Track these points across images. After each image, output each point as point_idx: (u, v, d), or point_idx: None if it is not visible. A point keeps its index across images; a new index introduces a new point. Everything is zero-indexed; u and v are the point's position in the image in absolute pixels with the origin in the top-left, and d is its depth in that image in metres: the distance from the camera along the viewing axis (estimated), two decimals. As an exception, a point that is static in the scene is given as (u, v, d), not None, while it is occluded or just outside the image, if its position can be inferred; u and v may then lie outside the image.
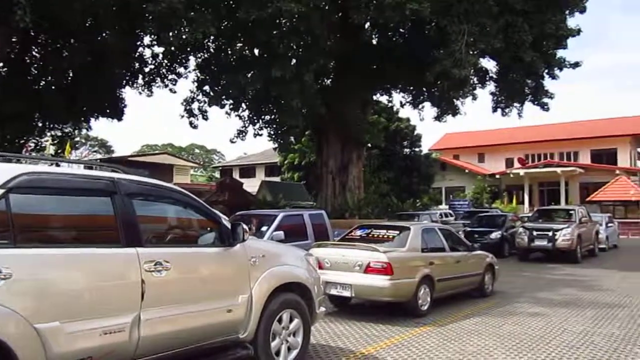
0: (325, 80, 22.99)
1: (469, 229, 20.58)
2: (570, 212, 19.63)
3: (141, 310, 3.96)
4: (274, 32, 16.52)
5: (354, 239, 9.18)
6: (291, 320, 5.37)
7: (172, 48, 17.19)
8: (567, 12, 19.91)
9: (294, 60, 17.83)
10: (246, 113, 21.91)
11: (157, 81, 21.16)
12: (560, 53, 21.38)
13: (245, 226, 4.95)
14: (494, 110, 23.41)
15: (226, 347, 4.83)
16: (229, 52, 19.31)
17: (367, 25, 20.83)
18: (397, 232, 9.10)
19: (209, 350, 4.68)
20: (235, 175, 48.24)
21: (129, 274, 3.98)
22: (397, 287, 7.98)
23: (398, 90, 25.07)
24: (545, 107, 22.43)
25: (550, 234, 17.47)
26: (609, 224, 24.32)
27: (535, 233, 17.85)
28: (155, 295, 4.09)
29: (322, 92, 20.88)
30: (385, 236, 9.07)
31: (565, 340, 6.96)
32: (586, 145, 46.52)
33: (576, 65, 21.50)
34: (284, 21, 16.82)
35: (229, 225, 4.94)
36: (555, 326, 7.82)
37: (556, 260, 17.25)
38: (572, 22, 20.55)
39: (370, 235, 9.22)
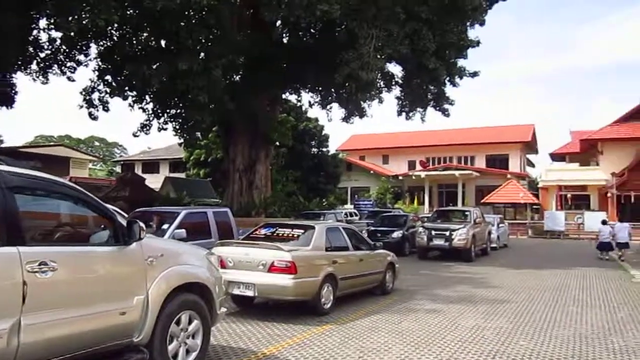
0: (235, 76, 22.68)
1: (372, 228, 21.11)
2: (466, 213, 20.71)
3: (22, 315, 3.63)
4: (182, 24, 16.03)
5: (258, 238, 9.08)
6: (190, 321, 5.19)
7: (72, 34, 16.15)
8: (468, 24, 21.01)
9: (202, 54, 17.41)
10: (150, 106, 21.11)
11: (53, 68, 19.75)
12: (460, 62, 22.58)
13: (142, 224, 4.70)
14: (399, 113, 24.25)
15: (119, 352, 4.57)
16: (134, 41, 18.51)
17: (278, 23, 20.81)
18: (302, 231, 9.12)
19: (100, 356, 4.40)
20: (138, 170, 46.30)
21: (8, 275, 3.62)
22: (301, 286, 7.99)
23: (307, 90, 25.28)
24: (446, 112, 23.60)
25: (447, 233, 18.32)
26: (501, 225, 26.00)
27: (433, 233, 18.65)
28: (39, 298, 3.76)
29: (231, 88, 20.57)
30: (290, 235, 9.05)
31: (459, 335, 7.29)
32: (482, 151, 49.46)
33: (475, 74, 22.79)
34: (192, 13, 16.37)
35: (124, 223, 4.67)
36: (450, 322, 8.18)
37: (452, 258, 18.12)
38: (472, 33, 21.67)
39: (275, 234, 9.16)
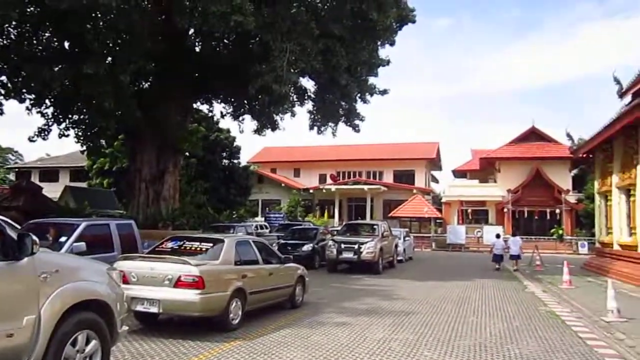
0: (144, 83, 21.89)
1: (282, 241, 21.06)
2: (374, 226, 21.18)
3: None
4: (89, 26, 15.24)
5: (164, 252, 8.73)
6: (88, 342, 4.84)
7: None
8: (379, 43, 21.66)
9: (109, 58, 16.65)
10: (50, 110, 19.84)
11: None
12: (371, 80, 23.21)
13: (35, 237, 4.34)
14: (311, 128, 24.45)
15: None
16: (34, 41, 17.34)
17: (191, 31, 20.35)
18: (211, 244, 8.88)
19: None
20: (35, 178, 43.30)
21: None
22: (209, 302, 7.76)
23: (219, 101, 24.87)
24: (357, 128, 24.12)
25: (356, 246, 18.63)
26: (406, 238, 26.89)
27: (343, 246, 18.89)
28: None
29: (140, 95, 19.81)
30: (198, 248, 8.78)
31: (368, 348, 7.38)
32: (390, 166, 51.10)
33: (385, 92, 23.52)
34: (100, 15, 15.62)
35: (15, 236, 4.29)
36: (358, 334, 8.27)
37: (361, 271, 18.43)
38: (383, 53, 22.41)
39: (182, 248, 8.84)
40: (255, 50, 19.01)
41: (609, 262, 19.37)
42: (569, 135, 24.48)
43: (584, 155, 24.24)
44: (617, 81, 20.76)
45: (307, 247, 19.93)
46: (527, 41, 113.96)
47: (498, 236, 23.76)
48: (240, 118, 24.97)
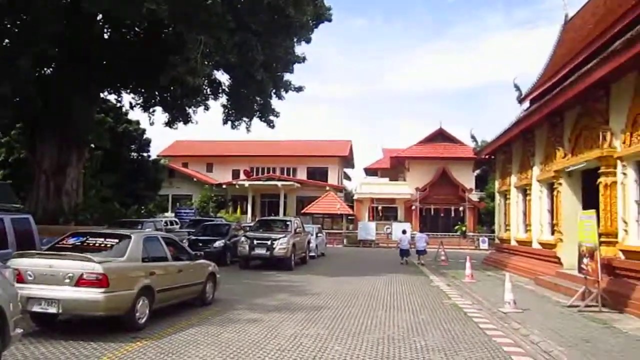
0: (46, 69, 20.52)
1: (193, 237, 20.61)
2: (287, 222, 21.23)
3: None
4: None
5: (65, 248, 8.21)
6: (-25, 346, 4.47)
7: None
8: (295, 40, 21.69)
9: (6, 40, 15.45)
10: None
11: None
12: (287, 76, 23.23)
13: None
14: (225, 122, 24.08)
15: None
16: None
17: (100, 17, 19.32)
18: (116, 240, 8.47)
19: None
20: None
21: None
22: (113, 300, 7.40)
23: (129, 91, 23.85)
24: (272, 124, 24.04)
25: (269, 243, 18.58)
26: (319, 234, 27.20)
27: (255, 242, 18.77)
28: None
29: (41, 82, 18.56)
30: (103, 245, 8.35)
31: (279, 344, 7.37)
32: (303, 163, 51.41)
33: (300, 89, 23.61)
34: (-5, -7, 14.48)
35: None
36: (269, 331, 8.24)
37: (273, 267, 18.41)
38: (299, 50, 22.44)
39: (85, 244, 8.36)
40: (168, 40, 18.41)
41: (507, 257, 20.64)
42: (473, 137, 25.93)
43: (486, 157, 25.73)
44: (517, 88, 22.19)
45: (218, 244, 19.61)
46: (439, 45, 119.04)
47: (404, 232, 25.03)
48: (151, 110, 24.10)
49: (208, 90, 23.07)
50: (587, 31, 16.79)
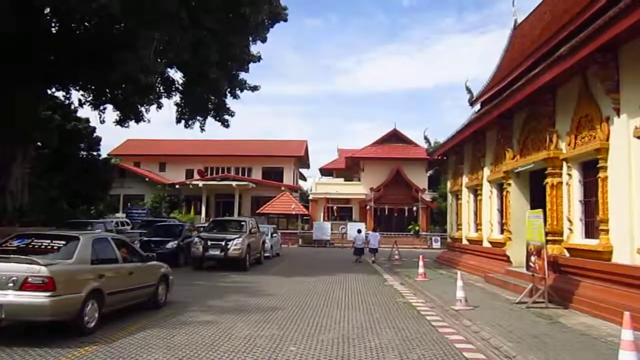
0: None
1: (145, 238, 20.19)
2: (242, 223, 21.04)
3: None
4: None
5: (9, 250, 7.86)
6: None
7: None
8: (251, 39, 21.50)
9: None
10: None
11: None
12: (242, 75, 22.98)
13: None
14: (178, 121, 23.62)
15: None
16: None
17: (47, 10, 18.58)
18: (64, 242, 8.18)
19: None
20: None
21: None
22: (60, 304, 7.14)
23: (78, 88, 23.02)
24: (226, 123, 23.75)
25: (223, 243, 18.39)
26: (274, 234, 27.13)
27: (209, 243, 18.54)
28: None
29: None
30: (49, 247, 8.04)
31: (233, 346, 7.28)
32: (259, 163, 51.14)
33: (255, 88, 23.41)
34: None
35: None
36: (224, 332, 8.14)
37: (228, 268, 18.23)
38: (254, 49, 22.24)
39: (30, 246, 8.03)
40: (120, 36, 17.89)
41: (459, 256, 21.12)
42: (426, 138, 26.35)
43: (439, 157, 26.28)
44: (469, 90, 22.73)
45: (171, 245, 19.28)
46: (393, 47, 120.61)
47: (359, 231, 26.25)
48: (102, 107, 23.32)
49: (161, 88, 22.57)
50: (535, 36, 17.37)
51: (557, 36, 13.82)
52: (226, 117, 23.60)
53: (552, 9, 17.46)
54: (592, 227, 11.24)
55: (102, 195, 36.39)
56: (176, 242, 19.56)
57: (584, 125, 11.48)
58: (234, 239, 18.59)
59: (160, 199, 45.10)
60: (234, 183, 45.59)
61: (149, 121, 23.65)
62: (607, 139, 10.46)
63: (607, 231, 10.34)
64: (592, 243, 10.93)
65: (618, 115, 10.11)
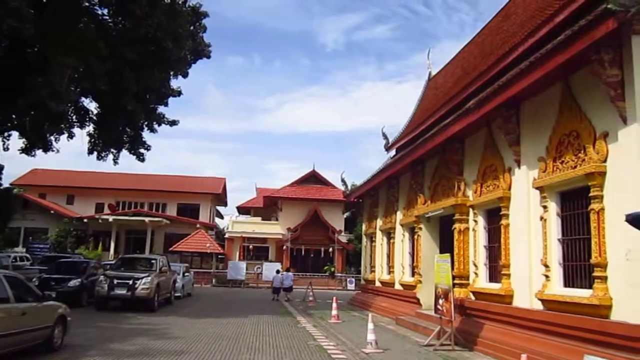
0: None
1: (45, 275, 18.86)
2: (152, 261, 20.23)
3: None
4: None
5: None
6: None
7: None
8: (172, 73, 21.20)
9: None
10: None
11: None
12: (161, 109, 22.52)
13: None
14: (90, 152, 22.56)
15: None
16: None
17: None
18: (-51, 278, 7.50)
19: None
20: None
21: None
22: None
23: (-21, 112, 21.61)
24: (142, 157, 22.99)
25: (130, 282, 17.51)
26: (186, 274, 26.30)
27: (116, 281, 17.58)
28: None
29: None
30: None
31: (132, 393, 6.87)
32: (174, 199, 49.77)
33: (174, 123, 22.94)
34: None
35: None
36: (123, 379, 7.68)
37: (135, 309, 17.32)
38: (175, 83, 21.91)
39: None
40: (31, 60, 17.07)
41: (372, 298, 21.38)
42: (343, 181, 26.89)
43: (355, 200, 26.80)
44: (385, 136, 23.58)
45: (74, 282, 18.10)
46: (314, 90, 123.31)
47: (278, 272, 27.93)
48: (6, 134, 21.95)
49: (74, 117, 21.62)
50: (447, 89, 18.43)
51: (466, 90, 14.71)
52: (142, 150, 22.86)
53: (462, 64, 18.65)
54: (496, 271, 11.81)
55: (1, 228, 33.86)
56: (79, 280, 18.40)
57: (488, 174, 12.19)
58: (143, 277, 17.76)
59: (66, 233, 42.62)
60: (146, 219, 43.93)
61: (58, 151, 22.35)
62: (509, 188, 11.15)
63: (508, 276, 10.90)
64: (495, 287, 11.45)
65: (519, 166, 10.84)
